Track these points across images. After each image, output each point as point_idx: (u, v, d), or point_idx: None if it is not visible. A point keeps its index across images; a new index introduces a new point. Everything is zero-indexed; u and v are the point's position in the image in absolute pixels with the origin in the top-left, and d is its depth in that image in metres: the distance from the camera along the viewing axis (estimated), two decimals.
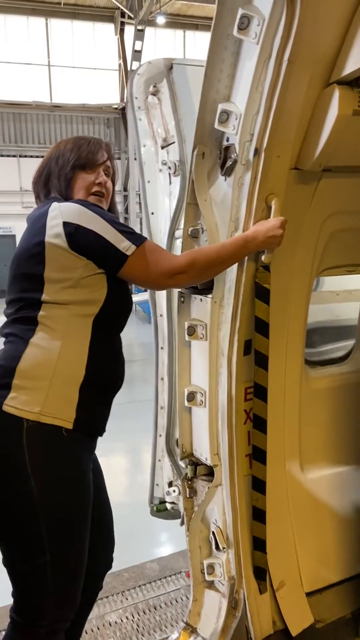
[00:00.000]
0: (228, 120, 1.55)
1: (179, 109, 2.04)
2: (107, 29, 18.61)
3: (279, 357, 1.91)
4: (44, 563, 1.49)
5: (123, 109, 18.72)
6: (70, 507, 1.53)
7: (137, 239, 1.53)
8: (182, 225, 2.05)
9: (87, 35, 18.39)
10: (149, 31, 16.89)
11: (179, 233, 2.04)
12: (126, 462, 5.68)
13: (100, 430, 1.68)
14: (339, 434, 2.16)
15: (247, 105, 1.50)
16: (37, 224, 1.56)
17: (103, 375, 1.61)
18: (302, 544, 2.05)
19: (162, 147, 2.11)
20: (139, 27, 16.14)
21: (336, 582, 2.12)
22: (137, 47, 16.52)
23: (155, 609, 2.82)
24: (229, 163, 1.60)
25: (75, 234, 1.50)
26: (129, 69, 17.53)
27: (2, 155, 18.39)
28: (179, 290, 1.86)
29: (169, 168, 2.03)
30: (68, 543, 1.54)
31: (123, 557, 3.59)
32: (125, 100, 18.41)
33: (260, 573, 1.88)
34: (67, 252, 1.50)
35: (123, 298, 1.66)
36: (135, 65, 16.94)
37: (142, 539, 4.09)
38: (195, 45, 19.24)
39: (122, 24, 18.31)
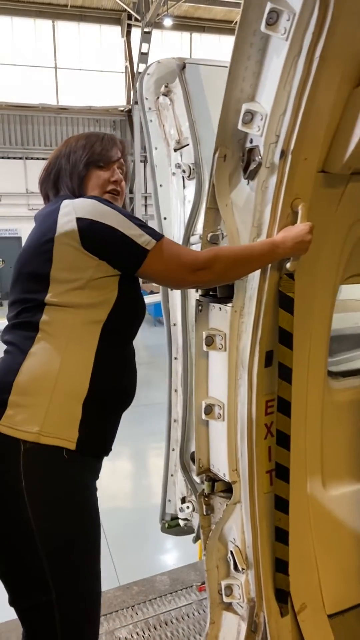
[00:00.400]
0: (252, 121, 1.47)
1: (193, 109, 1.97)
2: (113, 32, 18.58)
3: (301, 369, 1.82)
4: (49, 601, 1.35)
5: (129, 112, 18.68)
6: (72, 539, 1.39)
7: (155, 233, 1.44)
8: (197, 231, 1.98)
9: (94, 38, 18.36)
10: (155, 33, 16.84)
11: (194, 239, 1.96)
12: (130, 467, 5.63)
13: (106, 450, 1.54)
14: None
15: (273, 105, 1.42)
16: (47, 220, 1.45)
17: (109, 389, 1.48)
18: (323, 563, 1.96)
19: (175, 150, 2.04)
20: (146, 30, 16.09)
21: (358, 604, 2.03)
22: (144, 50, 16.46)
23: (166, 624, 2.74)
24: (252, 166, 1.51)
25: (90, 230, 1.38)
26: (135, 71, 17.48)
27: (9, 158, 18.37)
28: (197, 298, 1.78)
29: (183, 171, 1.96)
30: (74, 579, 1.39)
31: (131, 569, 3.56)
32: (131, 103, 18.38)
33: (282, 595, 1.79)
34: (78, 250, 1.39)
35: (135, 302, 1.54)
36: (142, 67, 16.87)
37: (147, 546, 4.03)
38: (202, 47, 19.19)
39: (129, 26, 18.27)
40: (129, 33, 18.49)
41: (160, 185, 2.06)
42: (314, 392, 1.90)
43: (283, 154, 1.45)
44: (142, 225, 1.43)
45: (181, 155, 1.97)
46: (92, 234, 1.38)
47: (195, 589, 2.94)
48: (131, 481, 5.28)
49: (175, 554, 4.03)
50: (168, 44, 18.60)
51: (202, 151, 1.89)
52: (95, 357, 1.43)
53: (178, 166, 1.94)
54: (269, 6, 1.31)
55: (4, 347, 1.50)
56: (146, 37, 16.26)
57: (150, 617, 2.77)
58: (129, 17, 17.72)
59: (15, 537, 1.35)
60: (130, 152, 18.65)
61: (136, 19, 16.99)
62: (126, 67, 18.73)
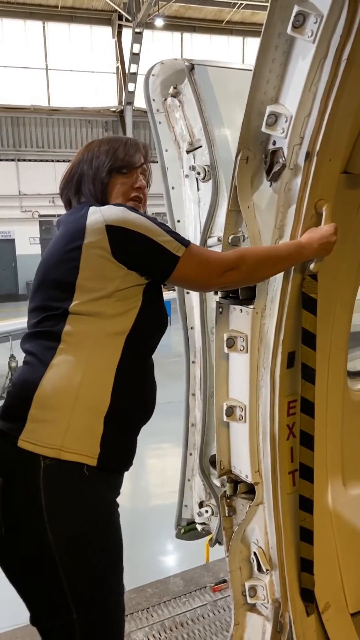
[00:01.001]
0: (277, 123, 1.47)
1: (205, 111, 1.97)
2: (104, 32, 18.55)
3: (322, 369, 1.83)
4: (71, 621, 1.32)
5: (121, 112, 18.67)
6: (93, 559, 1.34)
7: (183, 239, 1.43)
8: (215, 233, 1.98)
9: (85, 39, 18.32)
10: (146, 34, 16.84)
11: (211, 241, 1.96)
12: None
13: (128, 465, 1.50)
14: None
15: (298, 107, 1.42)
16: (74, 227, 1.42)
17: (131, 404, 1.45)
18: (345, 562, 1.97)
19: (188, 152, 2.03)
20: (137, 30, 16.08)
21: None
22: (135, 50, 16.47)
23: (182, 625, 2.74)
24: (276, 168, 1.52)
25: (122, 238, 1.37)
26: (127, 71, 17.47)
27: (1, 160, 18.31)
28: (217, 300, 1.78)
29: (198, 173, 1.95)
30: (96, 599, 1.35)
31: (144, 570, 3.56)
32: (123, 103, 18.36)
33: (308, 595, 1.80)
34: (107, 260, 1.36)
35: (159, 313, 1.53)
36: (133, 68, 16.89)
37: (150, 548, 4.04)
38: (193, 47, 19.19)
39: (120, 26, 18.24)
40: (119, 33, 18.46)
41: (173, 188, 2.05)
42: (334, 392, 1.91)
43: (308, 156, 1.45)
44: (170, 231, 1.43)
45: (194, 157, 1.96)
46: (122, 242, 1.37)
47: (209, 589, 2.94)
48: (131, 480, 5.29)
49: (177, 555, 4.06)
50: (159, 44, 18.59)
51: (217, 153, 1.89)
52: (117, 371, 1.40)
53: (192, 168, 1.93)
54: (295, 9, 1.32)
55: (23, 354, 1.48)
56: (137, 38, 16.27)
57: (166, 619, 2.77)
58: (120, 17, 17.71)
59: (34, 556, 1.32)
60: None
61: (127, 20, 16.98)
62: (117, 67, 18.71)
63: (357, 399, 2.04)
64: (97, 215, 1.40)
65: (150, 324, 1.48)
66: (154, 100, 2.07)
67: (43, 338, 1.41)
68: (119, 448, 1.43)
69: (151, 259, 1.40)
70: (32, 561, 1.32)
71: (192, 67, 1.99)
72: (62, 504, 1.31)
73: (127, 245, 1.37)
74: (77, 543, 1.32)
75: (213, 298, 1.88)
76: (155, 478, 5.68)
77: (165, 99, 2.05)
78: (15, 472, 1.31)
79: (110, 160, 1.55)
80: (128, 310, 1.42)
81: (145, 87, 2.05)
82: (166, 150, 2.11)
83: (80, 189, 1.59)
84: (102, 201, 1.54)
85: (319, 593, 1.86)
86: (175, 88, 2.01)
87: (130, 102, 18.17)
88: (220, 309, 1.77)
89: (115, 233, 1.36)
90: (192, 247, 1.43)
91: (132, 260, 1.39)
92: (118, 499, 1.50)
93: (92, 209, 1.43)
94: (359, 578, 2.02)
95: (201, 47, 19.17)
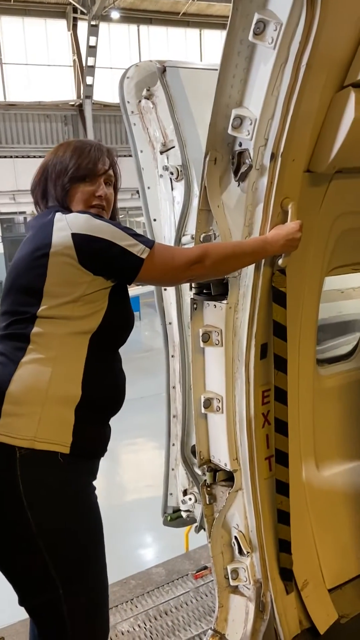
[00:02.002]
0: (242, 126, 1.53)
1: (177, 112, 2.01)
2: (59, 25, 18.24)
3: (292, 359, 1.91)
4: (57, 597, 1.40)
5: (80, 106, 18.43)
6: (74, 536, 1.43)
7: (147, 241, 1.49)
8: (188, 231, 2.04)
9: (40, 32, 17.99)
10: (102, 26, 16.65)
11: (185, 239, 2.02)
12: (107, 461, 5.64)
13: (101, 452, 1.58)
14: (351, 429, 2.19)
15: (262, 110, 1.49)
16: (41, 233, 1.46)
17: (101, 395, 1.52)
18: (321, 541, 2.07)
19: (161, 152, 2.08)
20: (93, 23, 15.89)
21: (356, 576, 2.15)
22: (92, 43, 16.28)
23: (166, 614, 2.81)
24: (243, 168, 1.58)
25: (87, 245, 1.41)
26: (84, 65, 17.25)
27: None
28: (192, 297, 1.84)
29: (171, 173, 2.00)
30: (79, 574, 1.44)
31: (126, 563, 3.61)
32: (82, 97, 18.14)
33: (287, 574, 1.89)
34: (74, 267, 1.41)
35: (124, 313, 1.58)
36: (90, 61, 16.70)
37: (128, 541, 4.08)
38: (150, 40, 19.09)
39: (75, 19, 17.96)
40: (75, 26, 18.19)
41: (148, 188, 2.10)
42: (305, 380, 2.00)
43: (273, 156, 1.52)
44: (135, 234, 1.47)
45: (167, 158, 2.01)
46: (88, 250, 1.41)
47: (191, 577, 3.02)
48: (105, 478, 5.34)
49: (158, 546, 4.12)
50: (116, 37, 18.41)
51: (189, 153, 1.94)
52: (85, 365, 1.46)
53: (165, 168, 1.98)
54: (256, 17, 1.37)
55: None
56: (93, 31, 16.07)
57: (150, 609, 2.83)
58: (75, 10, 17.43)
59: (17, 541, 1.39)
60: None
61: (82, 12, 16.74)
62: (74, 61, 18.45)
63: (326, 385, 2.13)
64: (62, 223, 1.44)
65: (115, 323, 1.54)
66: (128, 102, 2.10)
67: (13, 339, 1.46)
68: (90, 436, 1.50)
69: (117, 263, 1.45)
70: (16, 544, 1.40)
71: (164, 69, 2.03)
72: (40, 490, 1.38)
73: (92, 252, 1.42)
74: (58, 524, 1.40)
75: (188, 294, 1.94)
76: (131, 473, 5.71)
77: (140, 101, 2.09)
78: None
79: (73, 168, 1.57)
80: (94, 313, 1.48)
81: (120, 90, 2.08)
82: (141, 151, 2.16)
83: (46, 191, 1.61)
84: (65, 207, 1.57)
85: (298, 571, 1.96)
86: (148, 90, 2.04)
87: (89, 96, 17.96)
88: (195, 305, 1.84)
89: (81, 241, 1.41)
90: (155, 247, 1.48)
91: (98, 266, 1.44)
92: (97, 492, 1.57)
93: (57, 215, 1.47)
94: (335, 555, 2.13)
95: (158, 39, 19.08)
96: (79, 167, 1.57)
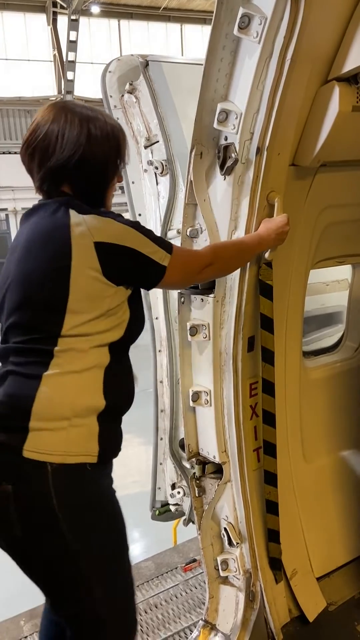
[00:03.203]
0: (227, 120, 1.54)
1: (160, 106, 2.01)
2: (38, 20, 18.03)
3: (279, 351, 1.93)
4: (93, 601, 1.40)
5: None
6: (106, 542, 1.44)
7: (166, 245, 1.43)
8: (174, 226, 2.04)
9: (19, 27, 17.77)
10: (82, 21, 16.51)
11: (171, 234, 2.02)
12: None
13: (118, 452, 1.56)
14: (336, 420, 2.22)
15: (247, 104, 1.50)
16: (57, 239, 1.34)
17: (121, 398, 1.51)
18: (309, 530, 2.10)
19: (146, 147, 2.08)
20: (73, 17, 15.75)
21: (343, 564, 2.19)
22: (72, 38, 16.13)
23: (156, 607, 2.82)
24: (229, 162, 1.59)
25: (112, 257, 1.34)
26: (64, 59, 17.09)
27: None
28: (179, 291, 1.85)
29: (156, 168, 2.00)
30: (112, 580, 1.44)
31: None
32: (62, 92, 17.97)
33: (276, 563, 1.91)
34: (98, 280, 1.34)
35: (140, 317, 1.54)
36: (71, 56, 16.55)
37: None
38: (131, 35, 18.97)
39: (55, 14, 17.76)
40: (55, 21, 17.97)
41: (133, 182, 2.09)
42: (291, 372, 2.02)
43: (259, 150, 1.53)
44: (155, 238, 1.42)
45: (152, 152, 2.01)
46: (113, 262, 1.34)
47: (180, 570, 3.03)
48: None
49: (146, 541, 4.12)
50: (96, 32, 18.27)
51: (173, 147, 1.94)
52: (105, 374, 1.43)
53: (150, 163, 1.98)
54: (241, 11, 1.38)
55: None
56: (74, 25, 15.93)
57: (140, 602, 2.84)
58: (54, 4, 17.24)
59: (52, 554, 1.38)
60: None
61: (62, 7, 16.58)
62: (54, 55, 18.26)
63: (312, 377, 2.16)
64: (82, 228, 1.32)
65: (134, 330, 1.51)
66: (111, 96, 2.09)
67: (32, 354, 1.39)
68: (112, 440, 1.50)
69: (141, 273, 1.41)
70: (51, 556, 1.39)
71: (146, 64, 2.03)
72: (72, 501, 1.37)
73: (118, 263, 1.36)
74: (92, 532, 1.41)
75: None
76: (118, 469, 5.71)
77: (122, 96, 2.08)
78: (23, 480, 1.35)
79: (122, 158, 1.45)
80: (118, 325, 1.44)
81: (102, 84, 2.07)
82: None
83: (66, 177, 1.40)
84: (95, 199, 1.43)
85: (286, 561, 1.99)
86: (131, 84, 2.04)
87: (70, 91, 17.79)
88: (182, 299, 1.84)
89: (106, 252, 1.33)
90: (175, 253, 1.43)
91: (122, 278, 1.38)
92: None
93: (73, 216, 1.34)
94: (323, 544, 2.16)
95: (139, 34, 18.97)
96: (124, 158, 1.48)
